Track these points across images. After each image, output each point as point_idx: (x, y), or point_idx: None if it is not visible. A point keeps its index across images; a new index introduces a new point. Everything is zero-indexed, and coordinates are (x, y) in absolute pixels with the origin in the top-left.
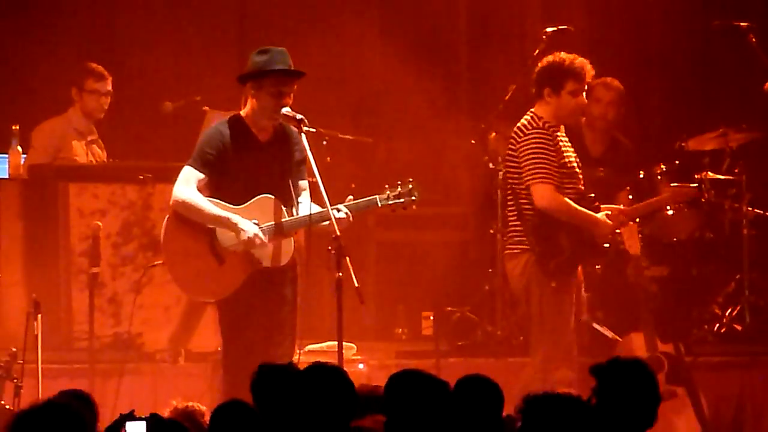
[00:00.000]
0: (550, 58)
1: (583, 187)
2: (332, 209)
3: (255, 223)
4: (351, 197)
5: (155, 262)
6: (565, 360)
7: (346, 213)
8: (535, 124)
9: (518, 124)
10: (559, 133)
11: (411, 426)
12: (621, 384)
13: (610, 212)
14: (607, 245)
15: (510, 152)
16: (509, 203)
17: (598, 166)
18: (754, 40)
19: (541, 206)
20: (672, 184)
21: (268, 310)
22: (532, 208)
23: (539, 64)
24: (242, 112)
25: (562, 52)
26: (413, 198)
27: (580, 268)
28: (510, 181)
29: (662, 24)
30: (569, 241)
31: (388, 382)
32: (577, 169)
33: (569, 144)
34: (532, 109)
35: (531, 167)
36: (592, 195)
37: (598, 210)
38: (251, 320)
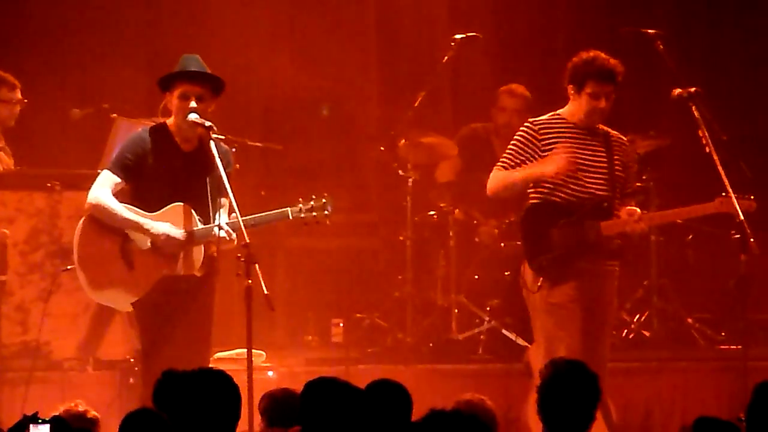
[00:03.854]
0: (583, 54)
1: (596, 191)
2: (227, 223)
3: None
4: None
5: (66, 267)
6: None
7: (227, 231)
8: (536, 120)
9: None
10: (574, 132)
11: None
12: (562, 385)
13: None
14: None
15: None
16: None
17: None
18: (661, 47)
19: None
20: (723, 194)
21: (188, 320)
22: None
23: (573, 60)
24: (168, 121)
25: (594, 51)
26: (326, 212)
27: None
28: None
29: (569, 30)
30: (559, 238)
31: (304, 390)
32: (591, 171)
33: (588, 145)
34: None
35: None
36: (605, 202)
37: (608, 213)
38: (170, 330)
